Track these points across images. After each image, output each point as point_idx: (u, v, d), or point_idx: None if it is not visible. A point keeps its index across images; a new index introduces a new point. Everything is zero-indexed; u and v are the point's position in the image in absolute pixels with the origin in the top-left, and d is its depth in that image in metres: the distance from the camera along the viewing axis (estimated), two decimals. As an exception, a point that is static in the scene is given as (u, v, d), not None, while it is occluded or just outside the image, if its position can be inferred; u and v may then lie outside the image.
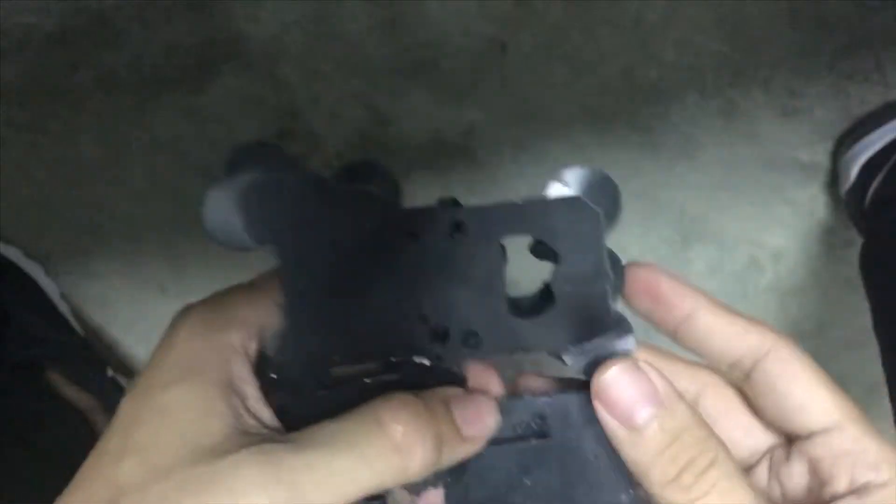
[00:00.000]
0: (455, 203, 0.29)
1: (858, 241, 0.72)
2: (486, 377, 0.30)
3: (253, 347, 0.29)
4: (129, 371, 0.83)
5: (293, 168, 0.28)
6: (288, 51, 0.73)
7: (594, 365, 0.28)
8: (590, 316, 0.29)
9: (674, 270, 0.30)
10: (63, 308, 0.80)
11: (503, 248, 0.29)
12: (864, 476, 0.27)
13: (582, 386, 0.29)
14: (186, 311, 0.29)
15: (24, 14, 0.72)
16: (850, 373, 0.83)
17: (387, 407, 0.26)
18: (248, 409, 0.27)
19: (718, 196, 0.77)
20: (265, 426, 0.27)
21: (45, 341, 0.75)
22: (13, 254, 0.78)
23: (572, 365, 0.29)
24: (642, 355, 0.29)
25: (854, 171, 0.71)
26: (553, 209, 0.29)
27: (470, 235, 0.28)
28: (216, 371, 0.27)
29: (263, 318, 0.29)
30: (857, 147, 0.71)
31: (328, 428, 0.26)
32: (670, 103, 0.74)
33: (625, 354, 0.29)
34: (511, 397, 0.30)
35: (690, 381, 0.31)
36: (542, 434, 0.30)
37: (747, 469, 0.31)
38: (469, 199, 0.78)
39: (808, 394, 0.28)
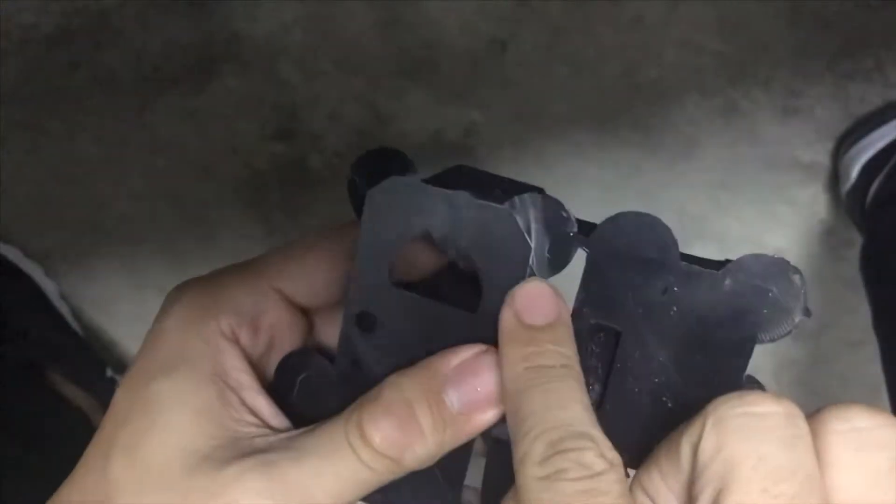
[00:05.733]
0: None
1: (858, 241, 0.72)
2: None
3: (245, 335, 0.27)
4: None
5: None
6: (287, 50, 0.73)
7: None
8: None
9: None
10: (63, 308, 0.80)
11: None
12: None
13: None
14: (178, 292, 0.28)
15: (24, 14, 0.72)
16: (850, 373, 0.83)
17: (369, 414, 0.24)
18: (243, 403, 0.26)
19: (718, 196, 0.77)
20: (262, 421, 0.26)
21: (44, 341, 0.75)
22: (13, 254, 0.78)
23: None
24: None
25: (854, 171, 0.71)
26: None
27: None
28: (208, 362, 0.25)
29: (259, 304, 0.27)
30: (858, 147, 0.71)
31: (326, 432, 0.25)
32: (670, 103, 0.74)
33: None
34: None
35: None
36: None
37: None
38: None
39: None
